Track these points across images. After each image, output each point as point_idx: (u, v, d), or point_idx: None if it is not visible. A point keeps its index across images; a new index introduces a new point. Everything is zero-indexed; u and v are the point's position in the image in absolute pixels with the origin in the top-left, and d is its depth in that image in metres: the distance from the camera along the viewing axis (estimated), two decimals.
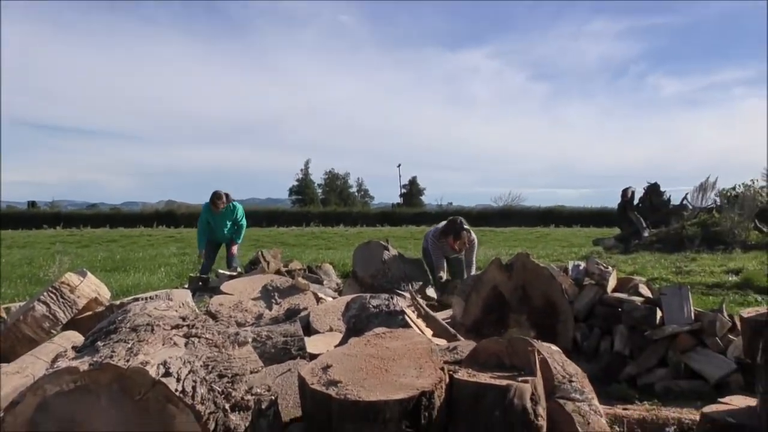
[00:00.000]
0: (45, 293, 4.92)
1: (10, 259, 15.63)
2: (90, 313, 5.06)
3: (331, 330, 4.98)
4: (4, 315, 5.34)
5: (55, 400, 2.37)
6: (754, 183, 17.44)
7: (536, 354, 3.10)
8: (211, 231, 10.08)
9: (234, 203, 10.08)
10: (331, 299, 6.42)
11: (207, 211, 9.99)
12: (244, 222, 10.33)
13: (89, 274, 5.37)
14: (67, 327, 4.83)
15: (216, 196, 9.82)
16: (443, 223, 8.21)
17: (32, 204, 55.81)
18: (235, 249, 10.21)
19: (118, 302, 5.18)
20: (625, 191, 18.27)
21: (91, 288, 5.17)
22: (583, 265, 5.84)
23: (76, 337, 4.21)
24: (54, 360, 2.72)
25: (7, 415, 2.40)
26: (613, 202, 19.57)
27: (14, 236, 27.30)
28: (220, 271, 9.15)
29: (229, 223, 10.12)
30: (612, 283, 5.53)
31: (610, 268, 5.64)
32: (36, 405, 2.37)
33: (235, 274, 8.30)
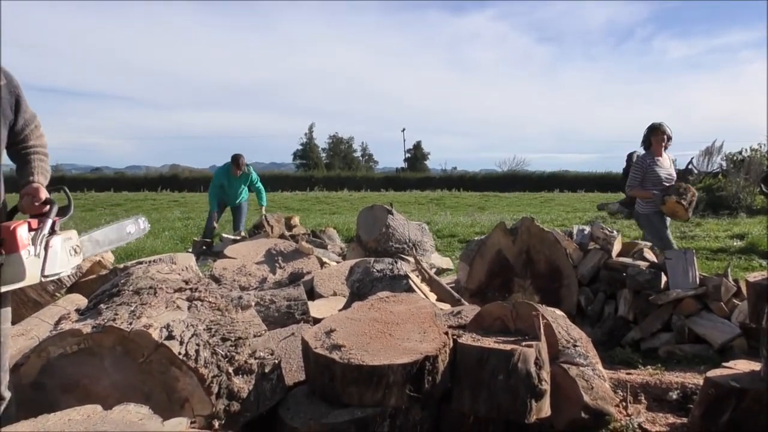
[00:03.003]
0: None
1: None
2: (94, 276, 5.06)
3: (334, 294, 4.98)
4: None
5: (58, 361, 2.38)
6: (761, 147, 17.31)
7: (540, 318, 3.10)
8: (223, 193, 10.06)
9: (249, 167, 10.10)
10: (335, 263, 6.42)
11: (224, 174, 9.96)
12: (260, 185, 10.39)
13: None
14: (71, 290, 4.84)
15: (239, 158, 9.86)
16: None
17: None
18: (264, 210, 10.13)
19: (121, 266, 5.17)
20: (630, 156, 18.11)
21: None
22: (587, 229, 5.80)
23: (80, 300, 4.22)
24: (57, 322, 2.72)
25: (12, 376, 2.40)
26: (617, 166, 19.50)
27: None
28: (225, 235, 9.15)
29: (243, 186, 10.17)
30: (617, 247, 5.50)
31: (614, 233, 5.61)
32: (40, 366, 2.38)
33: (239, 238, 8.30)
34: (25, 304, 4.67)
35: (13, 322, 4.13)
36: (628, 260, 5.34)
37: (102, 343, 2.37)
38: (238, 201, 10.23)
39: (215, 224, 10.02)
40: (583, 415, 3.11)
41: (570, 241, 5.56)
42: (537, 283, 5.34)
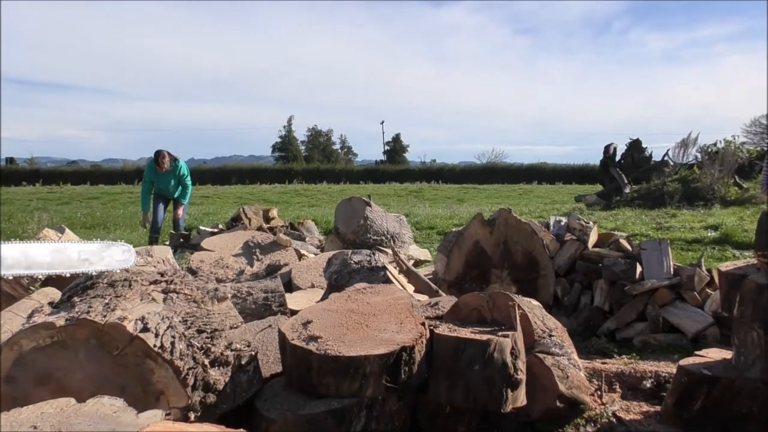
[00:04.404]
0: None
1: None
2: None
3: (312, 286, 4.98)
4: None
5: (31, 354, 2.35)
6: (734, 139, 17.54)
7: (516, 308, 3.12)
8: (158, 188, 9.81)
9: (178, 161, 9.74)
10: (312, 256, 6.41)
11: (150, 171, 9.68)
12: (188, 181, 9.91)
13: (67, 230, 5.31)
14: (45, 283, 4.79)
15: (159, 155, 9.49)
16: None
17: (10, 160, 55.06)
18: (181, 211, 9.83)
19: None
20: (607, 147, 18.34)
21: None
22: (564, 220, 5.85)
23: (55, 294, 4.17)
24: (30, 315, 2.69)
25: None
26: (595, 158, 19.67)
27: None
28: (202, 227, 9.10)
29: (173, 182, 9.78)
30: (593, 238, 5.54)
31: (591, 224, 5.66)
32: (12, 360, 2.35)
33: (216, 230, 8.25)
34: None
35: None
36: (604, 251, 5.39)
37: (76, 335, 2.35)
38: (176, 195, 9.89)
39: (158, 222, 9.71)
40: (558, 404, 3.14)
41: (547, 232, 5.60)
42: (514, 273, 5.37)
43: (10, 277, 2.79)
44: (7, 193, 26.68)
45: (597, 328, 5.07)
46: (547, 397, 3.14)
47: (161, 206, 9.79)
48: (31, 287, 4.74)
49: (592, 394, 3.47)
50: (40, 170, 45.26)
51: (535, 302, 3.80)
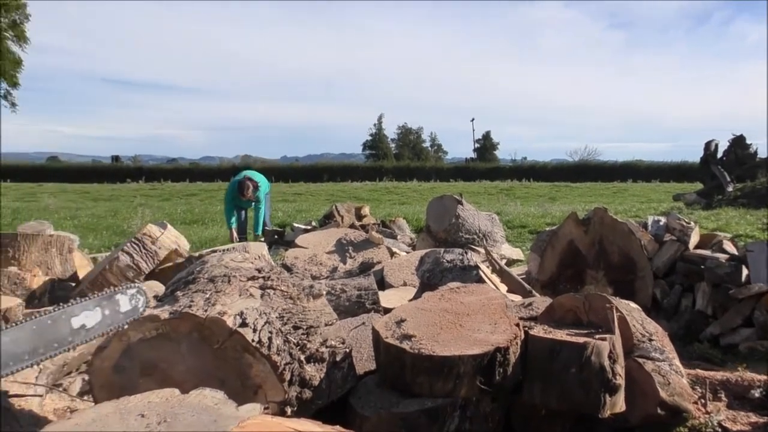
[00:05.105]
0: (128, 244, 5.08)
1: (96, 211, 16.26)
2: (170, 264, 5.21)
3: (404, 284, 4.98)
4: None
5: (138, 345, 2.45)
6: None
7: (614, 311, 3.03)
8: (238, 205, 9.79)
9: (259, 188, 9.60)
10: (404, 254, 6.42)
11: (233, 193, 9.59)
12: (261, 206, 9.74)
13: (169, 226, 5.51)
14: (149, 277, 4.99)
15: (243, 186, 9.40)
16: None
17: (116, 158, 57.91)
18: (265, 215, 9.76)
19: (196, 254, 5.31)
20: (708, 144, 17.59)
21: (171, 240, 5.31)
22: (663, 220, 5.64)
23: (158, 287, 4.35)
24: None
25: (95, 359, 2.49)
26: (694, 155, 18.92)
27: (100, 189, 28.41)
28: (296, 224, 9.27)
29: (254, 203, 9.74)
30: (694, 239, 5.32)
31: (692, 224, 5.43)
32: (121, 350, 2.46)
33: (309, 227, 8.39)
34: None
35: None
36: (706, 252, 5.16)
37: (179, 329, 2.43)
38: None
39: (242, 225, 9.76)
40: (659, 411, 3.03)
41: (645, 232, 5.41)
42: (610, 274, 5.22)
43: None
44: (112, 190, 27.99)
45: (699, 333, 4.86)
46: (648, 403, 3.03)
47: (243, 212, 9.90)
48: (136, 280, 4.95)
49: (695, 402, 3.33)
50: (143, 168, 47.34)
51: (633, 305, 3.68)
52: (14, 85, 38.52)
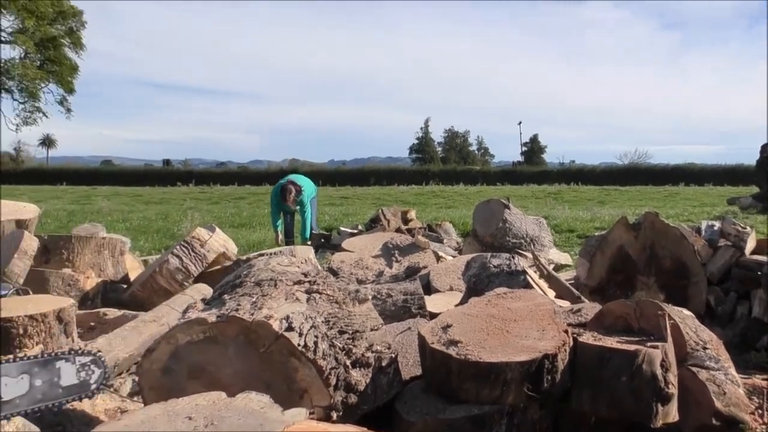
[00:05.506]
0: (178, 247, 5.16)
1: (148, 214, 16.58)
2: (219, 267, 5.27)
3: (451, 289, 4.95)
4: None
5: (186, 348, 2.48)
6: None
7: (667, 318, 2.95)
8: (283, 210, 9.74)
9: (302, 196, 9.49)
10: (451, 258, 6.38)
11: (276, 197, 9.56)
12: (307, 212, 9.67)
13: (218, 229, 5.58)
14: (198, 280, 5.06)
15: (286, 191, 9.33)
16: None
17: (167, 162, 59.16)
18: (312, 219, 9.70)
19: (244, 257, 5.36)
20: (764, 147, 17.10)
21: (219, 243, 5.37)
22: (717, 225, 5.49)
23: (206, 290, 4.40)
24: (185, 311, 2.84)
25: (144, 360, 2.53)
26: (750, 158, 18.40)
27: (151, 193, 28.99)
28: (342, 228, 9.30)
29: (299, 208, 9.66)
30: (750, 244, 5.17)
31: (748, 229, 5.28)
32: (169, 352, 2.49)
33: (355, 231, 8.41)
34: (156, 292, 4.94)
35: (145, 309, 4.38)
36: (763, 258, 5.01)
37: (226, 332, 2.45)
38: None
39: (289, 229, 9.76)
40: (714, 421, 2.94)
41: (698, 237, 5.28)
42: (661, 280, 5.10)
43: None
44: (163, 193, 28.52)
45: (755, 342, 4.71)
46: (702, 413, 2.95)
47: (289, 216, 9.87)
48: (185, 282, 5.03)
49: (752, 413, 3.23)
50: (193, 171, 48.22)
51: (686, 312, 3.59)
52: (70, 91, 39.68)
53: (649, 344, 2.76)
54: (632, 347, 2.71)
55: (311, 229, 9.70)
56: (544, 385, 2.62)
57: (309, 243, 9.20)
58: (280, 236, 9.58)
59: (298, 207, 9.59)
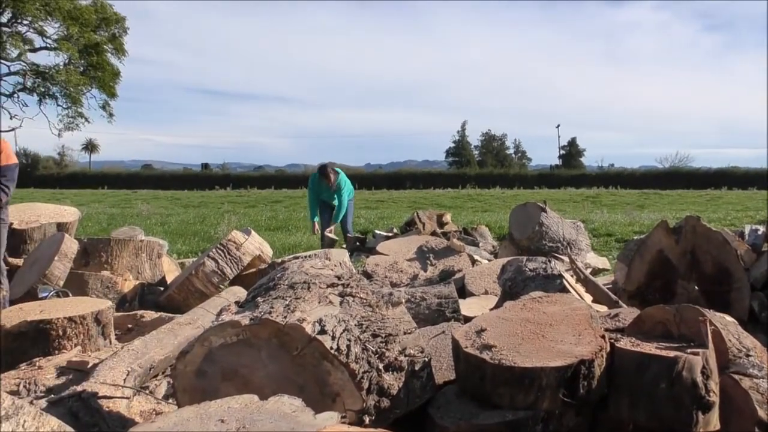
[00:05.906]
0: (214, 250, 5.21)
1: (186, 217, 16.79)
2: (254, 269, 5.31)
3: (486, 293, 4.91)
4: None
5: (219, 351, 2.48)
6: None
7: (708, 324, 2.88)
8: (322, 198, 9.50)
9: (339, 174, 9.32)
10: (486, 261, 6.35)
11: (314, 183, 9.38)
12: (344, 196, 9.39)
13: (253, 232, 5.62)
14: (233, 282, 5.10)
15: (324, 171, 9.14)
16: None
17: (205, 166, 60.02)
18: (342, 220, 9.45)
19: (279, 260, 5.38)
20: None
21: (255, 246, 5.41)
22: (761, 229, 5.37)
23: (241, 292, 4.43)
24: (219, 313, 2.85)
25: (178, 363, 2.54)
26: None
27: (189, 196, 29.37)
28: (377, 231, 9.30)
29: (337, 194, 9.38)
30: None
31: None
32: (203, 355, 2.50)
33: (391, 234, 8.40)
34: (192, 294, 4.99)
35: (181, 311, 4.42)
36: None
37: (259, 334, 2.45)
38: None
39: (327, 233, 9.30)
40: (756, 431, 2.87)
41: (741, 242, 5.16)
42: (702, 285, 4.99)
43: None
44: (201, 197, 28.89)
45: None
46: (744, 422, 2.87)
47: (327, 215, 9.55)
48: (221, 285, 5.07)
49: None
50: (231, 175, 48.76)
51: (728, 318, 3.51)
52: (112, 96, 40.40)
53: (689, 350, 2.70)
54: (672, 353, 2.65)
55: (346, 232, 9.66)
56: (580, 391, 2.57)
57: (349, 234, 9.23)
58: (317, 226, 9.39)
59: (335, 193, 9.31)
